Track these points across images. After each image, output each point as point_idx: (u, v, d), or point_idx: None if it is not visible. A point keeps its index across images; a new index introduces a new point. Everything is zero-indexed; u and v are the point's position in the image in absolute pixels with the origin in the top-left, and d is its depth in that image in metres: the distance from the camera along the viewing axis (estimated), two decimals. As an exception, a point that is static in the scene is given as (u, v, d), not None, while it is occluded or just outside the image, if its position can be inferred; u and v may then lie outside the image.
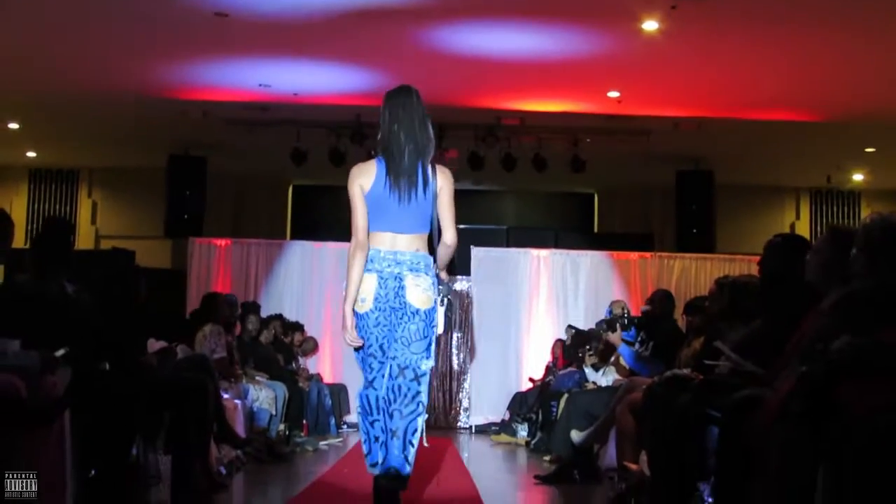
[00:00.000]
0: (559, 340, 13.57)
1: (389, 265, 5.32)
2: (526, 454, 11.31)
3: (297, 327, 13.35)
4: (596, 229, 18.30)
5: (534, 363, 14.36)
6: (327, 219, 17.51)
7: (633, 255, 15.25)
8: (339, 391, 13.32)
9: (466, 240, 14.92)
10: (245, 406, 9.31)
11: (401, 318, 5.36)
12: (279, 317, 12.81)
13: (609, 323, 8.71)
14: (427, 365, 5.43)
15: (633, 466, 6.42)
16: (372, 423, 5.39)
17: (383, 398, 5.36)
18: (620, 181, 17.22)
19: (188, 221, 15.25)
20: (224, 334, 9.63)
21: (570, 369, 11.55)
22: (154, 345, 7.51)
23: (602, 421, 7.79)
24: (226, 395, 8.50)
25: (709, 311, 7.21)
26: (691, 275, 15.09)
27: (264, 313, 12.36)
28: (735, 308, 6.25)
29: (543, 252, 15.17)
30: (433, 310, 5.42)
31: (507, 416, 13.36)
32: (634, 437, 6.68)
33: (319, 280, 14.74)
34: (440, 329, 5.54)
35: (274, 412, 9.98)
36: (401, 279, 5.32)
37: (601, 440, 7.97)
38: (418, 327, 5.36)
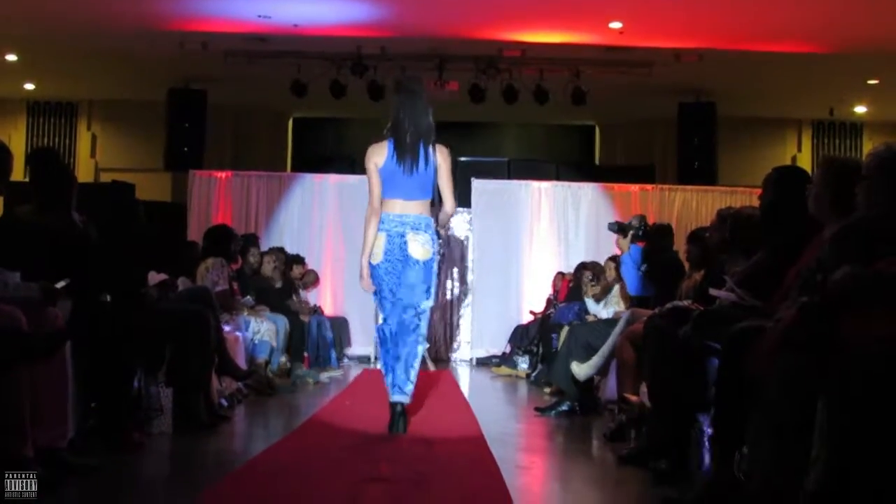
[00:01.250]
0: (560, 273, 13.58)
1: (396, 226, 6.69)
2: (526, 386, 11.36)
3: (298, 260, 13.33)
4: (597, 161, 18.28)
5: (534, 296, 14.39)
6: (328, 151, 17.48)
7: (634, 188, 15.22)
8: (339, 324, 13.34)
9: (467, 172, 14.94)
10: (246, 339, 9.33)
11: (404, 268, 6.72)
12: (280, 249, 12.78)
13: (621, 226, 8.69)
14: (427, 304, 6.85)
15: (633, 398, 6.45)
16: (388, 351, 6.80)
17: (394, 331, 6.77)
18: (622, 113, 17.14)
19: (188, 154, 15.19)
20: (226, 267, 9.62)
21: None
22: (154, 277, 7.51)
23: (607, 353, 7.81)
24: (227, 328, 8.51)
25: (709, 241, 7.19)
26: (692, 207, 15.07)
27: (265, 246, 12.34)
28: (736, 239, 6.23)
29: (544, 184, 15.13)
30: (432, 260, 6.80)
31: (507, 349, 13.39)
32: (635, 368, 6.70)
33: (320, 213, 14.73)
34: None
35: (275, 345, 10.01)
36: (403, 236, 6.69)
37: (602, 372, 8.00)
38: (419, 275, 6.75)
